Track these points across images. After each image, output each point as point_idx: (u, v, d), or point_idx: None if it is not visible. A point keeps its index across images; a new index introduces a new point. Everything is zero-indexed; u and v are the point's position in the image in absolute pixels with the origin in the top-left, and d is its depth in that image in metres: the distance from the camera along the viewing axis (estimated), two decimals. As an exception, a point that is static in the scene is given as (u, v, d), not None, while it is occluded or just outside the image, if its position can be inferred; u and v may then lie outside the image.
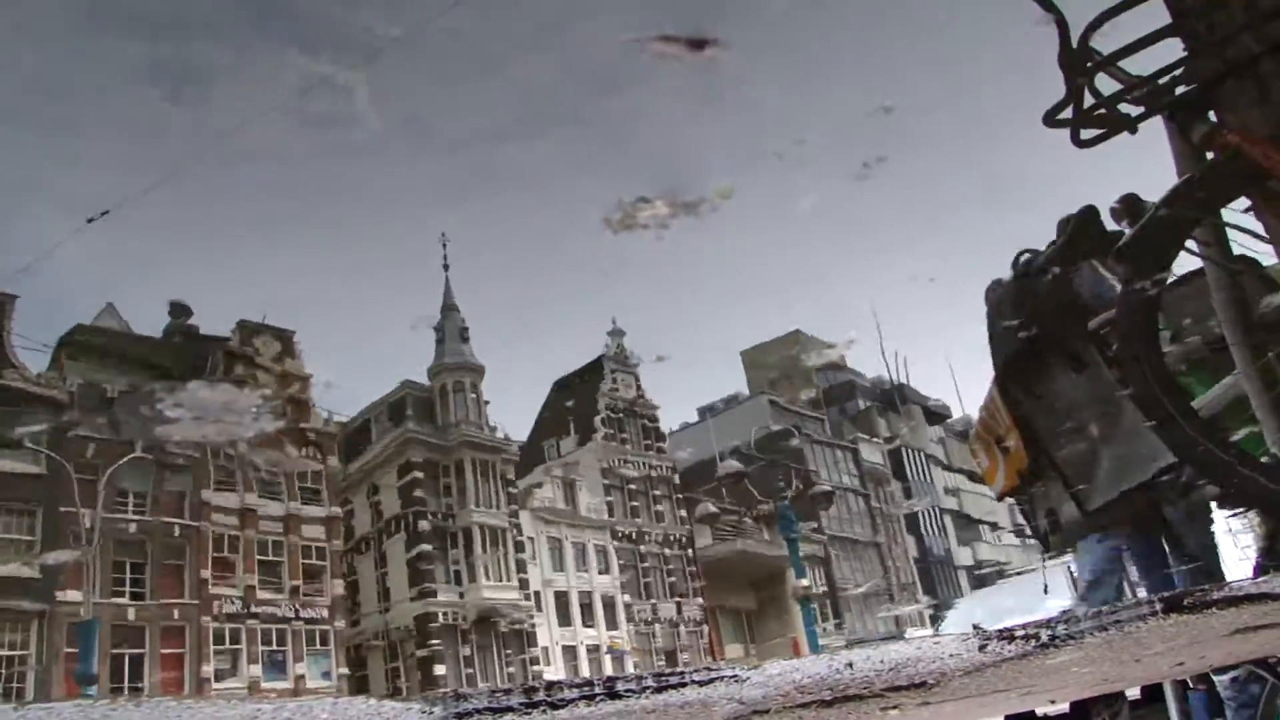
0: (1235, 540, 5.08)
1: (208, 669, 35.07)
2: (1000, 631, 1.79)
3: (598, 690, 1.51)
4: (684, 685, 1.52)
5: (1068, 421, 4.72)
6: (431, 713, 1.42)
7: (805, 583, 26.11)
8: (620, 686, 1.51)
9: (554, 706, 1.49)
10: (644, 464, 55.91)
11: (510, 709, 1.47)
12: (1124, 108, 3.59)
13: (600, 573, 50.31)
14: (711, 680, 1.54)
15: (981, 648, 1.74)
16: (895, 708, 1.81)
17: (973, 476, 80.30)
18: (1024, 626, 1.78)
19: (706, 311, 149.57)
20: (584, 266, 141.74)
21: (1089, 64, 3.48)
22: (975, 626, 1.96)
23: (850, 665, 1.65)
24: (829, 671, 1.65)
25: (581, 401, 56.08)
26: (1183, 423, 3.29)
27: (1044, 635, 1.76)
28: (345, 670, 39.45)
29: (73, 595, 30.27)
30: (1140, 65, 3.64)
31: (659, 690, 1.52)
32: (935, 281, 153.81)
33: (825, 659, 1.68)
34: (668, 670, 1.62)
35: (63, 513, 31.21)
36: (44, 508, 32.59)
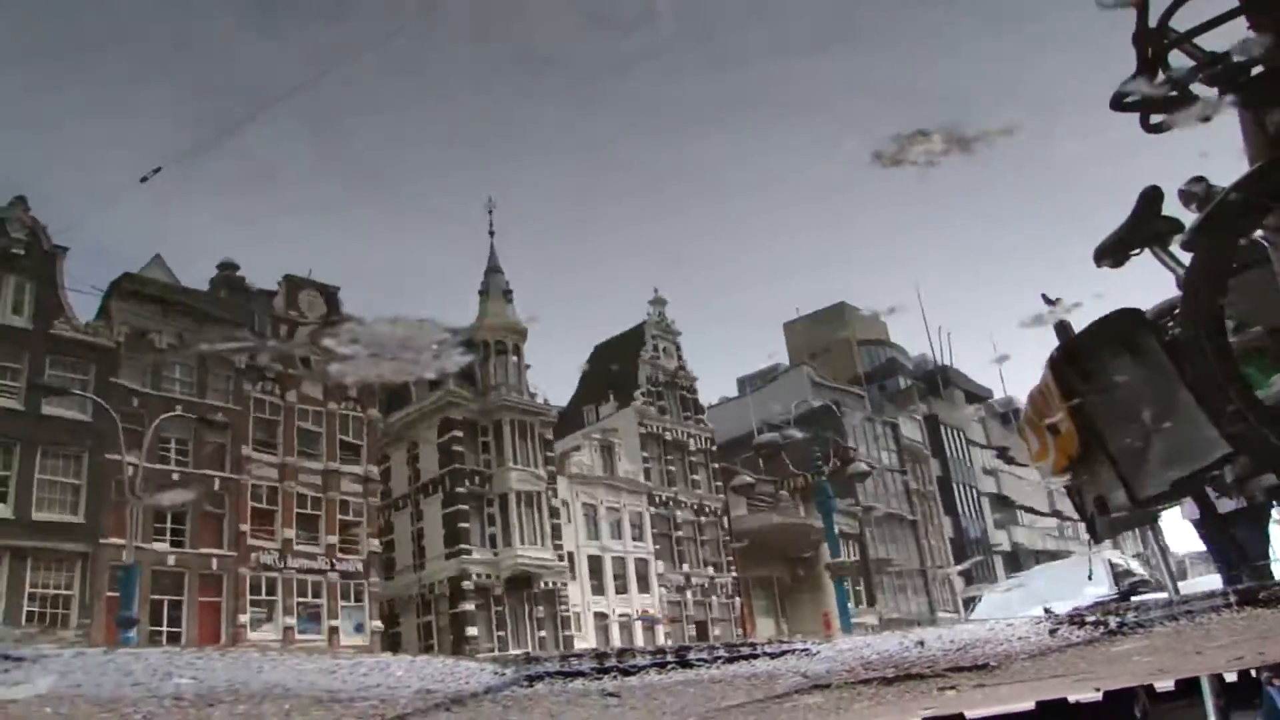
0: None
1: (243, 618, 35.56)
2: (1071, 615, 1.76)
3: (669, 658, 1.51)
4: (755, 657, 1.52)
5: (1121, 406, 4.64)
6: (504, 674, 1.43)
7: (840, 558, 26.07)
8: (692, 655, 1.51)
9: (625, 673, 1.49)
10: (683, 432, 55.91)
11: (581, 673, 1.47)
12: (1196, 90, 3.50)
13: (634, 539, 50.41)
14: (783, 653, 1.53)
15: (1052, 632, 1.72)
16: (953, 688, 1.80)
17: (1006, 457, 79.91)
18: (1094, 611, 1.76)
19: (749, 282, 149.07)
20: (629, 235, 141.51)
21: (1165, 41, 3.39)
22: (1046, 610, 1.94)
23: (921, 644, 1.64)
24: (898, 649, 1.64)
25: (622, 368, 56.00)
26: (1246, 412, 3.22)
27: (1113, 622, 1.74)
28: (378, 625, 39.83)
29: (115, 540, 30.71)
30: (1214, 45, 3.54)
31: (730, 660, 1.52)
32: (980, 259, 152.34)
33: (898, 636, 1.67)
34: (741, 641, 1.61)
35: (107, 460, 31.68)
36: (89, 454, 33.06)
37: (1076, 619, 1.84)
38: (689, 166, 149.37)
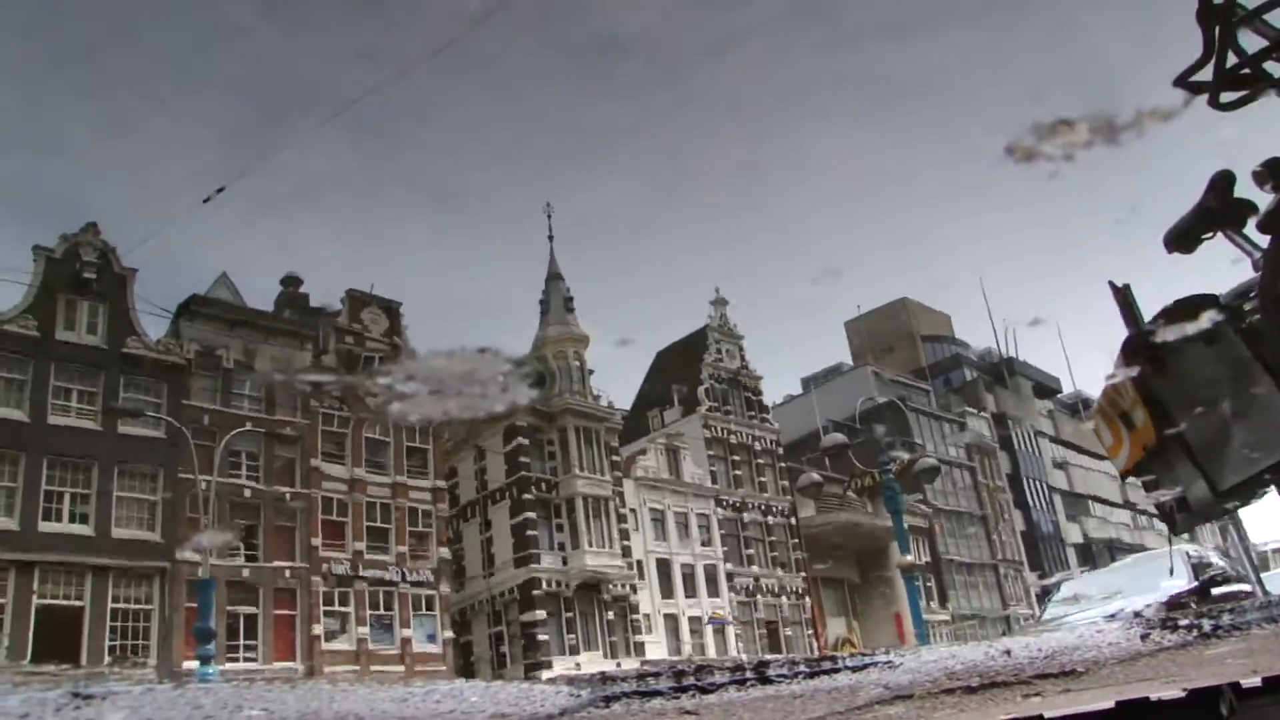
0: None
1: (318, 629, 35.95)
2: (1164, 620, 1.70)
3: (748, 675, 1.47)
4: (837, 671, 1.48)
5: (1198, 396, 4.51)
6: (579, 695, 1.40)
7: (910, 557, 25.78)
8: (771, 671, 1.47)
9: (703, 691, 1.45)
10: (748, 434, 55.77)
11: (658, 693, 1.44)
12: (1270, 68, 3.39)
13: (703, 543, 50.35)
14: (865, 666, 1.50)
15: (1143, 637, 1.67)
16: (1038, 694, 1.75)
17: (1077, 449, 78.80)
18: (1189, 615, 1.70)
19: (809, 280, 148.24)
20: (691, 235, 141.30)
21: (1232, 19, 3.29)
22: (1136, 614, 1.89)
23: (1008, 653, 1.59)
24: (984, 659, 1.60)
25: (686, 371, 56.02)
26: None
27: (1207, 625, 1.68)
28: (450, 634, 40.07)
29: (191, 555, 31.23)
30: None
31: (811, 675, 1.49)
32: (1046, 250, 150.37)
33: (984, 646, 1.63)
34: (820, 656, 1.57)
35: (181, 477, 32.25)
36: (164, 471, 33.64)
37: (1169, 623, 1.78)
38: (772, 162, 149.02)
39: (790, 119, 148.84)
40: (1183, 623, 1.78)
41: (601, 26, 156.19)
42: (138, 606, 32.38)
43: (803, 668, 1.60)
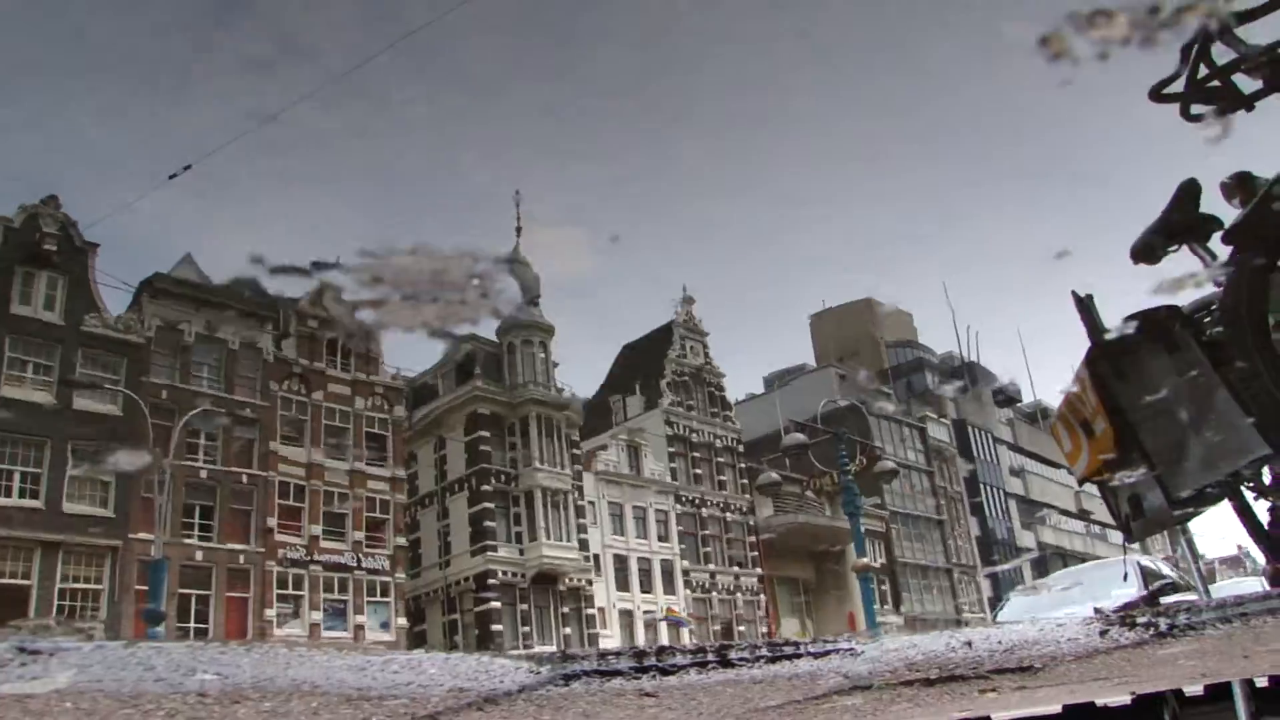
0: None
1: (270, 613, 35.72)
2: (1123, 617, 1.71)
3: (710, 658, 1.47)
4: (799, 656, 1.48)
5: (1158, 405, 4.55)
6: (539, 672, 1.39)
7: (866, 559, 25.94)
8: (734, 655, 1.47)
9: (664, 672, 1.45)
10: (709, 431, 55.92)
11: (619, 672, 1.43)
12: (1241, 82, 3.42)
13: (660, 538, 50.42)
14: (827, 653, 1.50)
15: (1102, 633, 1.67)
16: (993, 690, 1.76)
17: (1035, 457, 79.51)
18: (1147, 613, 1.71)
19: (776, 276, 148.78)
20: (656, 229, 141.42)
21: (1206, 33, 3.33)
22: (1097, 610, 1.90)
23: (969, 644, 1.59)
24: (944, 649, 1.60)
25: (649, 366, 56.09)
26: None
27: (1163, 624, 1.69)
28: (404, 622, 39.95)
29: (144, 535, 30.93)
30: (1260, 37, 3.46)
31: (773, 660, 1.48)
32: (1012, 261, 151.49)
33: (945, 636, 1.63)
34: (785, 640, 1.57)
35: (137, 454, 31.96)
36: (119, 448, 33.29)
37: (1128, 620, 1.79)
38: (724, 156, 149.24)
39: (761, 116, 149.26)
40: (1140, 620, 1.79)
41: (575, 22, 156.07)
42: (86, 586, 32.00)
43: (765, 652, 1.59)
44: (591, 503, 47.48)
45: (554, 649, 41.17)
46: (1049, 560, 70.44)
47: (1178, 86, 3.53)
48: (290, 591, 36.81)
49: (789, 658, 1.58)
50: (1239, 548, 53.75)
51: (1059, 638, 1.74)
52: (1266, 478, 4.52)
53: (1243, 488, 4.66)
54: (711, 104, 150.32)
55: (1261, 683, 5.78)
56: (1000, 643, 1.72)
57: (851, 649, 1.65)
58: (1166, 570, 13.07)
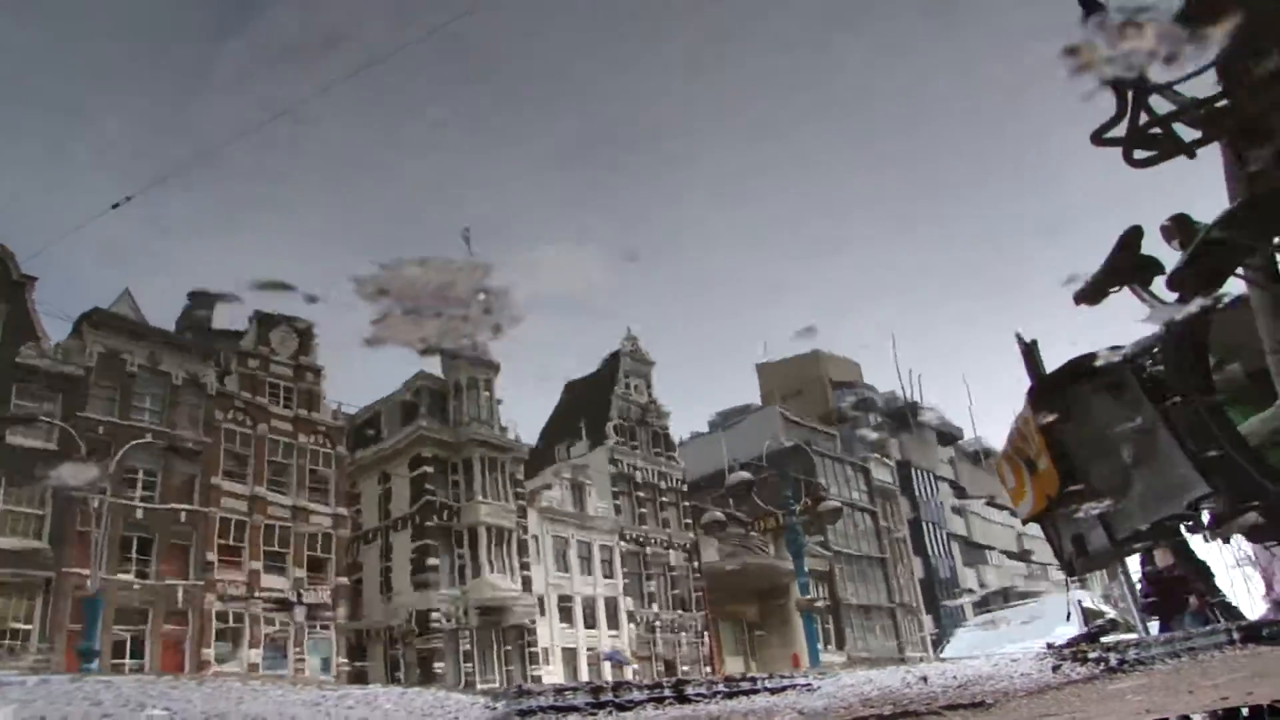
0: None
1: (208, 651, 35.09)
2: (1074, 653, 1.74)
3: (666, 693, 1.47)
4: (756, 692, 1.48)
5: (1101, 445, 4.64)
6: (495, 708, 1.38)
7: (809, 597, 26.04)
8: (690, 691, 1.47)
9: (620, 708, 1.45)
10: (654, 470, 55.93)
11: (575, 708, 1.43)
12: (1178, 131, 3.53)
13: (605, 577, 50.27)
14: (784, 688, 1.50)
15: (1055, 668, 1.70)
16: (946, 727, 1.78)
17: (964, 494, 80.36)
18: (1099, 648, 1.74)
19: (719, 319, 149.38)
20: (601, 265, 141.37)
21: (1145, 86, 3.43)
22: (1049, 645, 1.93)
23: (925, 679, 1.60)
24: (900, 685, 1.61)
25: (594, 405, 56.07)
26: (1233, 453, 3.23)
27: (1113, 659, 1.72)
28: (344, 660, 39.44)
29: (79, 570, 30.28)
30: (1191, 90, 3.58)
31: (729, 696, 1.49)
32: (953, 303, 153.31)
33: (901, 671, 1.64)
34: (741, 676, 1.57)
35: (72, 489, 31.32)
36: (54, 482, 32.64)
37: (1080, 656, 1.82)
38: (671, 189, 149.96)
39: (707, 150, 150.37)
40: (1092, 655, 1.82)
41: (521, 51, 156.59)
42: (17, 625, 31.21)
43: (721, 688, 1.60)
44: (536, 539, 47.28)
45: (496, 685, 40.83)
46: (991, 599, 70.97)
47: (1119, 131, 3.64)
48: (230, 626, 36.21)
49: (745, 693, 1.59)
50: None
51: (1012, 673, 1.76)
52: (1205, 518, 4.63)
53: (1181, 527, 4.77)
54: (657, 146, 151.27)
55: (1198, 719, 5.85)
56: (955, 678, 1.74)
57: (808, 684, 1.66)
58: (1107, 609, 13.21)
